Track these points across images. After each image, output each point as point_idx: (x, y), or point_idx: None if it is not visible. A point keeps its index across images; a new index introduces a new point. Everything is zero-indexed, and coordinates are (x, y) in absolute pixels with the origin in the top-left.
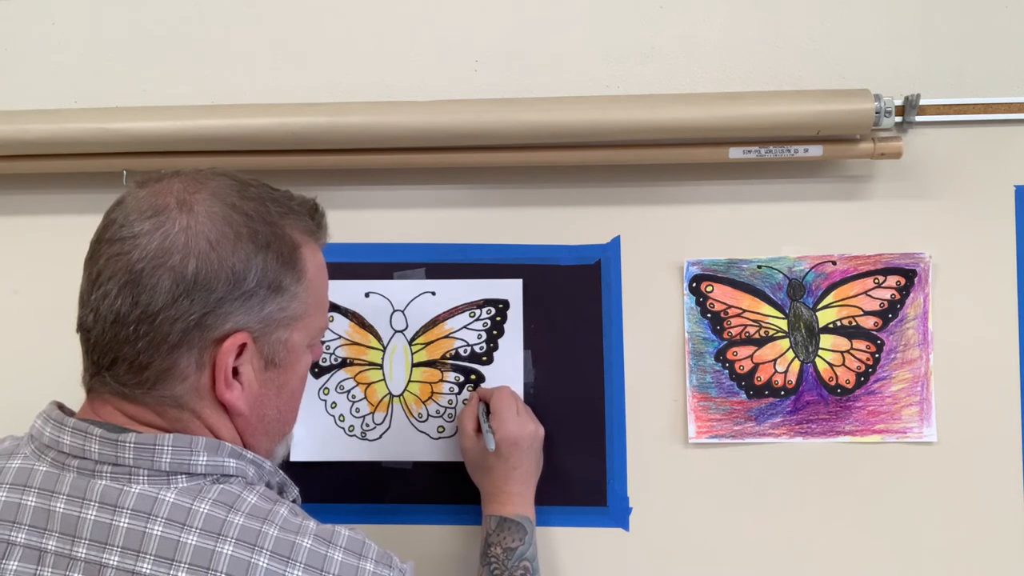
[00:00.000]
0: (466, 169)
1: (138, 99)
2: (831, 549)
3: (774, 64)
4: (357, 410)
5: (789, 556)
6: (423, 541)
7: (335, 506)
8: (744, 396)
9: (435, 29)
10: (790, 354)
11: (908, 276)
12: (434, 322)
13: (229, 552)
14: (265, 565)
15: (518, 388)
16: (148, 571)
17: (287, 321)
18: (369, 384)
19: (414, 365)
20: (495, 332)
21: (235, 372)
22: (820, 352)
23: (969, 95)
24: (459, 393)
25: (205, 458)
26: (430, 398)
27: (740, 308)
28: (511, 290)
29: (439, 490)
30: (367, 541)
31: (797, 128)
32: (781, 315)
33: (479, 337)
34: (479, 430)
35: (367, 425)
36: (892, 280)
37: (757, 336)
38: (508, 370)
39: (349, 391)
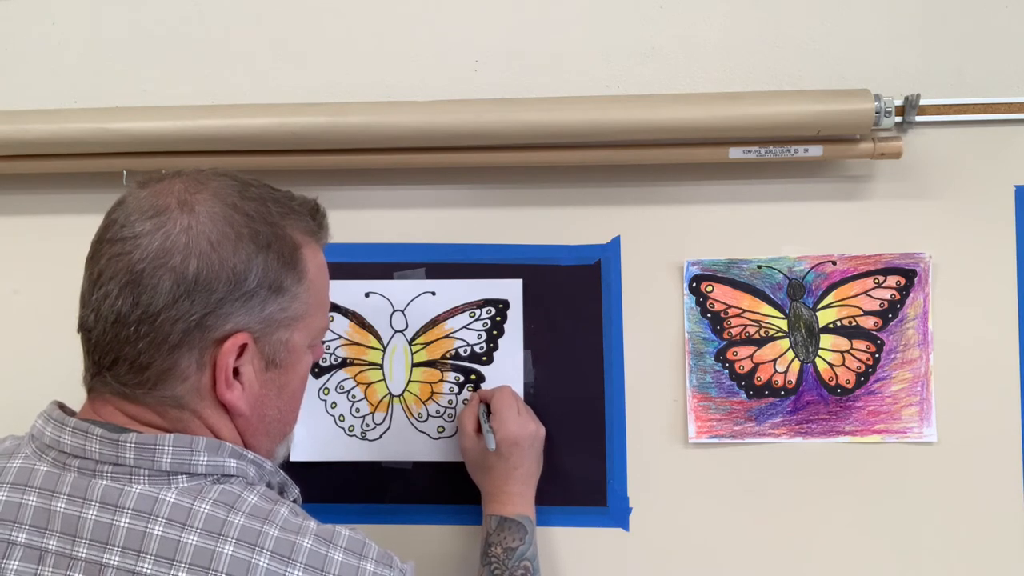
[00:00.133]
0: (466, 169)
1: (138, 99)
2: (831, 549)
3: (774, 64)
4: (357, 410)
5: (789, 556)
6: (423, 541)
7: (335, 506)
8: (744, 396)
9: (435, 29)
10: (790, 354)
11: (908, 276)
12: (434, 322)
13: (229, 552)
14: (265, 565)
15: (518, 388)
16: (149, 571)
17: (288, 321)
18: (369, 384)
19: (414, 365)
20: (495, 332)
21: (236, 372)
22: (820, 352)
23: (969, 95)
24: (459, 393)
25: (206, 458)
26: (430, 398)
27: (740, 308)
28: (511, 290)
29: (439, 490)
30: (367, 541)
31: (797, 128)
32: (781, 315)
33: (479, 337)
34: (479, 430)
35: (367, 425)
36: (892, 280)
37: (757, 336)
38: (508, 370)
39: (349, 391)
